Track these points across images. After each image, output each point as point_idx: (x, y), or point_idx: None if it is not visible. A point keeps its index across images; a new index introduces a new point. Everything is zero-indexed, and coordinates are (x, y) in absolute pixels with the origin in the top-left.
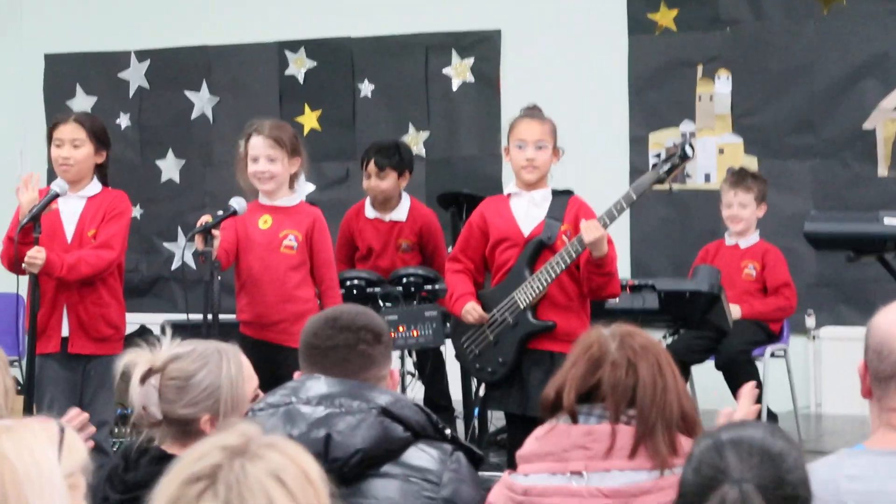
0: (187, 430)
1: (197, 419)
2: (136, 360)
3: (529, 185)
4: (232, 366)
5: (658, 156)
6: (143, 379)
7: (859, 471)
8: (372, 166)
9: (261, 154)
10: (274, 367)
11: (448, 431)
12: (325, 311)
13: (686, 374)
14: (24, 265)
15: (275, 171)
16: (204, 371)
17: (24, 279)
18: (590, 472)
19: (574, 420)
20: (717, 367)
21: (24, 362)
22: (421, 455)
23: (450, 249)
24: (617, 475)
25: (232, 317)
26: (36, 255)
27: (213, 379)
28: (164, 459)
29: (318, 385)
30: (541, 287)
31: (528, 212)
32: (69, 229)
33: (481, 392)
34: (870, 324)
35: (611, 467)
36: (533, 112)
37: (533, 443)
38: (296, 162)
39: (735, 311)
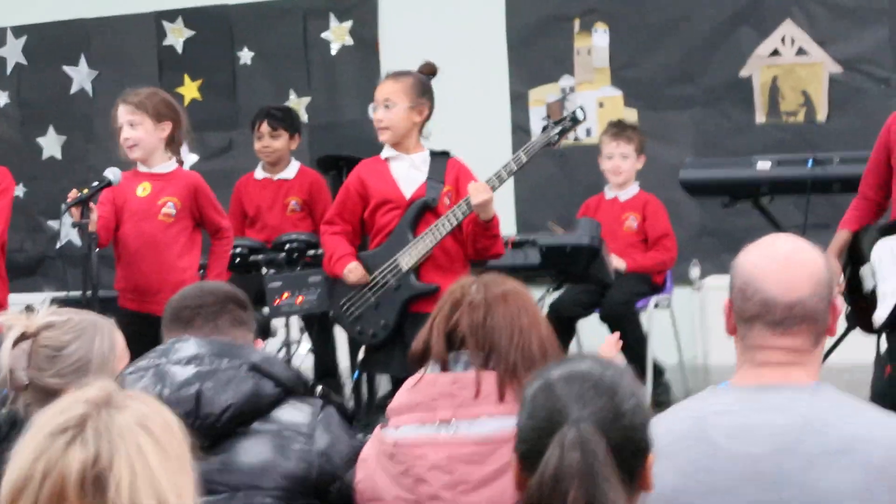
0: (52, 400)
1: (62, 391)
2: (10, 322)
3: (394, 145)
4: (105, 341)
5: (547, 117)
6: (16, 343)
7: (725, 406)
8: (265, 126)
9: (123, 121)
10: (156, 339)
11: (319, 388)
12: (190, 286)
13: (571, 328)
14: None
15: (137, 137)
16: (76, 343)
17: None
18: (458, 420)
19: (443, 368)
20: (602, 318)
21: None
22: (292, 411)
23: None
24: (486, 422)
25: (114, 292)
26: None
27: (84, 353)
28: (20, 424)
29: (188, 346)
30: (425, 249)
31: (408, 174)
32: None
33: (360, 355)
34: (734, 262)
35: (479, 414)
36: (391, 72)
37: (403, 395)
38: (165, 126)
39: (619, 264)
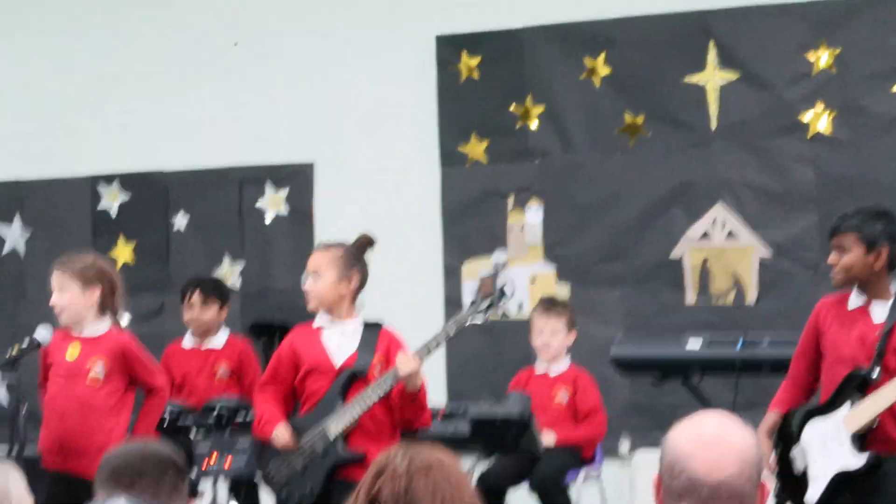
0: None
1: None
2: None
3: (330, 313)
4: (14, 477)
5: (477, 292)
6: None
7: None
8: (196, 296)
9: (54, 287)
10: (78, 501)
11: None
12: (128, 442)
13: (501, 499)
14: None
15: (63, 303)
16: (12, 482)
17: None
18: None
19: None
20: (532, 488)
21: None
22: None
23: None
24: None
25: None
26: None
27: (22, 490)
28: None
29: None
30: (353, 417)
31: (339, 343)
32: None
33: None
34: (664, 438)
35: None
36: (322, 243)
37: None
38: (94, 291)
39: (549, 437)
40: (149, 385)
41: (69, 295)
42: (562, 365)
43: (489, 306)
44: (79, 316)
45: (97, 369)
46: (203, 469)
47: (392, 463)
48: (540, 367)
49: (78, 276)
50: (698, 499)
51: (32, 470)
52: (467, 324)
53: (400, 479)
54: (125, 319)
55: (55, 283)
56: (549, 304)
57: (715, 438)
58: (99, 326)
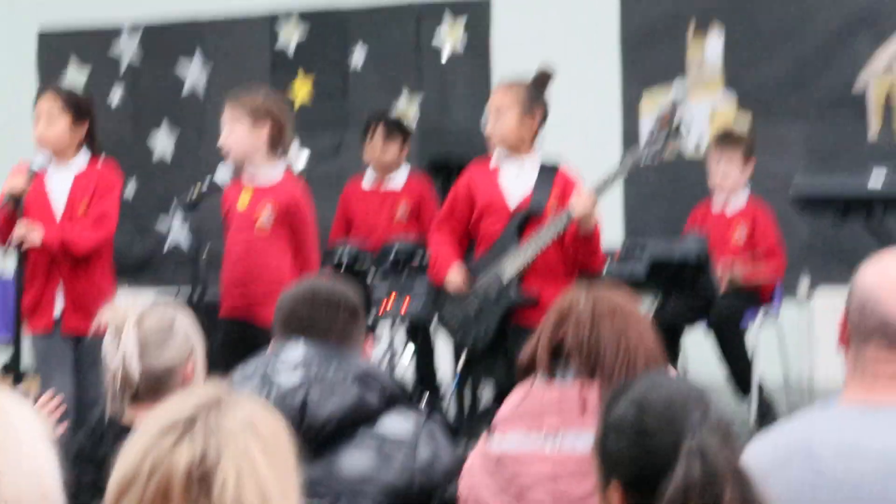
0: (165, 386)
1: (182, 366)
2: (110, 318)
3: (511, 151)
4: (191, 321)
5: (655, 130)
6: (119, 333)
7: (833, 424)
8: (379, 133)
9: (224, 123)
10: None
11: (423, 400)
12: (299, 286)
13: (676, 341)
14: (14, 242)
15: (231, 141)
16: (179, 319)
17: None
18: (564, 433)
19: (549, 379)
20: (709, 326)
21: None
22: (395, 423)
23: None
24: (591, 436)
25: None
26: (28, 233)
27: (188, 326)
28: (125, 430)
29: (296, 351)
30: (526, 259)
31: (515, 183)
32: (58, 206)
33: (461, 363)
34: (854, 278)
35: (585, 428)
36: (503, 81)
37: (509, 405)
38: (263, 129)
39: (736, 269)
40: (300, 250)
41: (238, 132)
42: (740, 200)
43: (664, 145)
44: (246, 155)
45: (264, 218)
46: (380, 312)
47: (575, 308)
48: (717, 205)
49: (248, 112)
50: (889, 338)
51: (212, 314)
52: (642, 163)
53: (585, 325)
54: (303, 158)
55: (225, 119)
56: (724, 137)
57: None
58: (272, 172)
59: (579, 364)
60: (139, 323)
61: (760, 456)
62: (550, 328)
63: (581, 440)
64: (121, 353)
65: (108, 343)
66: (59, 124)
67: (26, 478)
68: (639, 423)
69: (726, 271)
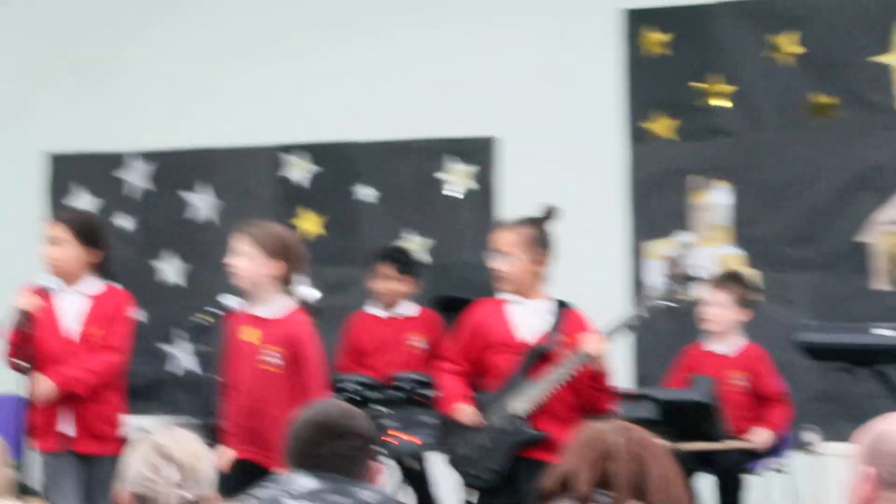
0: None
1: (208, 498)
2: (141, 440)
3: (518, 293)
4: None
5: (669, 274)
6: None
7: None
8: (389, 269)
9: (233, 249)
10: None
11: None
12: (312, 415)
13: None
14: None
15: (241, 267)
16: (203, 447)
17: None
18: None
19: None
20: (716, 473)
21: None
22: None
23: None
24: None
25: None
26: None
27: (212, 456)
28: None
29: (306, 480)
30: (541, 396)
31: (528, 320)
32: (70, 327)
33: (470, 498)
34: (879, 433)
35: None
36: (509, 221)
37: None
38: (277, 264)
39: (762, 436)
40: (303, 384)
41: (249, 261)
42: (734, 343)
43: (675, 295)
44: (256, 285)
45: (272, 359)
46: (387, 444)
47: (616, 444)
48: (708, 344)
49: (265, 244)
50: None
51: (219, 439)
52: (660, 307)
53: (631, 461)
54: (315, 295)
55: (240, 246)
56: (721, 277)
57: None
58: (280, 305)
59: (621, 496)
60: (177, 448)
61: None
62: (590, 460)
63: None
64: (158, 478)
65: (138, 466)
66: (65, 251)
67: None
68: None
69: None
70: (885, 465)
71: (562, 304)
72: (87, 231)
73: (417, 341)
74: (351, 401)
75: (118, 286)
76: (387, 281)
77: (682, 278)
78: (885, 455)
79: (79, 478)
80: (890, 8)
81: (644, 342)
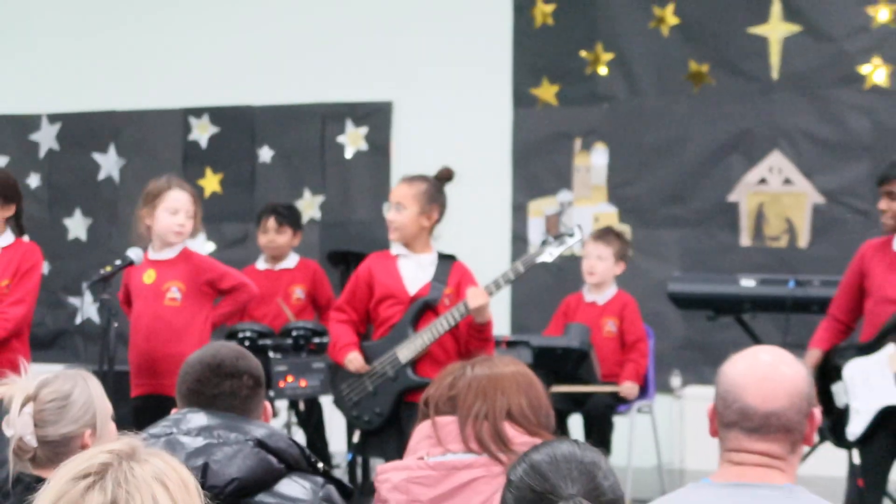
0: (64, 451)
1: (79, 435)
2: (9, 391)
3: (405, 245)
4: (94, 383)
5: (546, 232)
6: (21, 407)
7: (703, 501)
8: (271, 222)
9: (181, 207)
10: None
11: (320, 465)
12: (203, 355)
13: (563, 424)
14: None
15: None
16: (77, 389)
17: None
18: (430, 456)
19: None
20: (585, 417)
21: None
22: (294, 486)
23: None
24: (450, 455)
25: (127, 366)
26: None
27: (87, 396)
28: (39, 483)
29: (198, 417)
30: (423, 345)
31: (414, 273)
32: None
33: (355, 438)
34: (719, 370)
35: (447, 450)
36: (406, 176)
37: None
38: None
39: (630, 389)
40: (230, 285)
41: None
42: (609, 293)
43: (559, 245)
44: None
45: (173, 291)
46: (280, 388)
47: (459, 367)
48: (588, 295)
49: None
50: (748, 427)
51: (120, 384)
52: (537, 261)
53: (463, 377)
54: (209, 247)
55: (186, 205)
56: (600, 233)
57: (768, 371)
58: (168, 249)
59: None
60: (35, 396)
61: None
62: (437, 382)
63: (441, 459)
64: (14, 426)
65: (27, 409)
66: None
67: None
68: (521, 482)
69: (631, 384)
70: (717, 402)
71: (448, 258)
72: (5, 187)
73: (300, 292)
74: (248, 347)
75: (26, 240)
76: (267, 234)
77: (559, 235)
78: (717, 391)
79: None
80: None
81: (521, 293)
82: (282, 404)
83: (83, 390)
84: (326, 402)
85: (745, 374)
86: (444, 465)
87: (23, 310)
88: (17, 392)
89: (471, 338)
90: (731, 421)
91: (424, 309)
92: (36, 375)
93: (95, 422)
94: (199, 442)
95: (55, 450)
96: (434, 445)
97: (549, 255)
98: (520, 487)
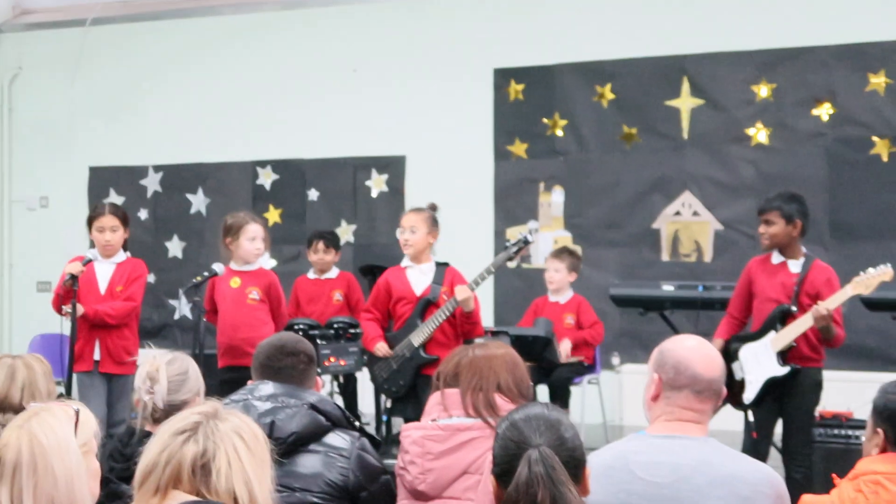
0: (175, 413)
1: (192, 401)
2: (152, 366)
3: (413, 258)
4: (198, 368)
5: (507, 241)
6: (152, 376)
7: (642, 447)
8: (321, 245)
9: (256, 235)
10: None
11: (357, 423)
12: (271, 339)
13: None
14: (65, 312)
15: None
16: (192, 366)
17: (66, 321)
18: (440, 419)
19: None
20: (549, 385)
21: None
22: (337, 438)
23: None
24: (455, 420)
25: (213, 350)
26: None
27: (196, 371)
28: (147, 436)
29: (267, 387)
30: (429, 332)
31: (419, 279)
32: (103, 285)
33: (388, 404)
34: (663, 349)
35: (452, 415)
36: (414, 208)
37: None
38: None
39: (565, 346)
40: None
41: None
42: (567, 295)
43: (517, 250)
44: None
45: (253, 294)
46: (325, 366)
47: (463, 349)
48: (552, 297)
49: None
50: (696, 390)
51: (208, 364)
52: (503, 261)
53: (466, 356)
54: (272, 263)
55: (259, 232)
56: (557, 252)
57: (707, 350)
58: (259, 262)
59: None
60: (166, 369)
61: (591, 466)
62: (446, 361)
63: (448, 421)
64: (153, 389)
65: (140, 381)
66: (119, 235)
67: (60, 484)
68: (504, 435)
69: (565, 340)
70: (666, 372)
71: (443, 265)
72: (126, 218)
73: (339, 296)
74: (302, 336)
75: (135, 258)
76: (317, 253)
77: (516, 242)
78: (665, 364)
79: (103, 390)
80: (679, 67)
81: (500, 295)
82: (326, 378)
83: (194, 367)
84: (359, 376)
85: (692, 350)
86: (450, 427)
87: (128, 307)
88: (152, 366)
89: (463, 323)
90: (682, 384)
91: (428, 305)
92: (160, 356)
93: (201, 391)
94: (268, 405)
95: (170, 412)
96: (442, 411)
97: (509, 256)
98: (503, 438)
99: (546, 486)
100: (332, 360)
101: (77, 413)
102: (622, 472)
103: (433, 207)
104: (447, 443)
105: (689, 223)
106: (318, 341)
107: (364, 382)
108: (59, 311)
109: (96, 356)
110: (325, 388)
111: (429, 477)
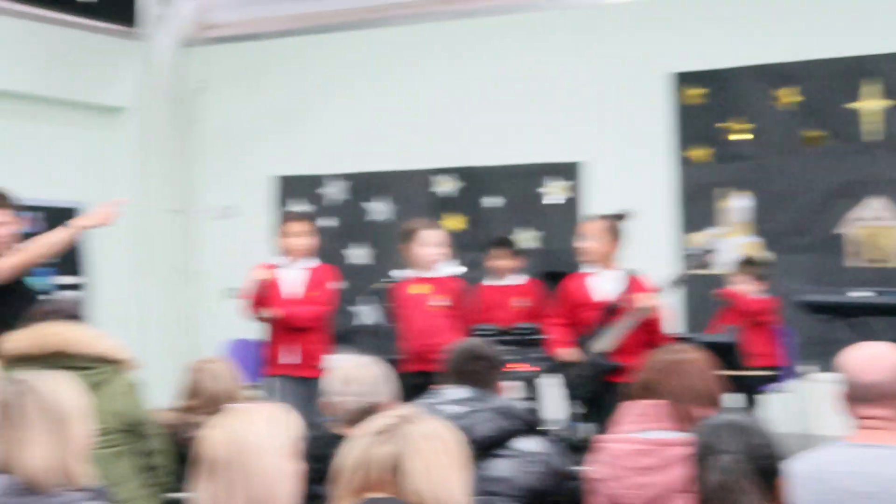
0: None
1: (384, 404)
2: (340, 367)
3: (595, 265)
4: (386, 367)
5: (690, 248)
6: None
7: (842, 457)
8: (502, 252)
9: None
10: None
11: (543, 427)
12: (462, 344)
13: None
14: (262, 316)
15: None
16: (383, 371)
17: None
18: (643, 431)
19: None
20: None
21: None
22: (527, 442)
23: None
24: (658, 432)
25: (394, 355)
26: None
27: (387, 375)
28: (339, 438)
29: (457, 391)
30: (613, 339)
31: (602, 286)
32: (296, 290)
33: (573, 410)
34: (841, 358)
35: (654, 427)
36: (594, 215)
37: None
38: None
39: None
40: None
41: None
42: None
43: (700, 260)
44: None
45: (438, 300)
46: (508, 371)
47: (659, 360)
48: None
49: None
50: (868, 397)
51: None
52: (686, 274)
53: (665, 370)
54: (461, 270)
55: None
56: (742, 263)
57: (869, 353)
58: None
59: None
60: (359, 373)
61: (791, 475)
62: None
63: (650, 434)
64: (347, 392)
65: (333, 384)
66: (310, 241)
67: (259, 483)
68: (700, 440)
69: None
70: (844, 381)
71: (629, 272)
72: (313, 225)
73: (520, 302)
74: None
75: (328, 264)
76: (496, 259)
77: (698, 252)
78: (841, 374)
79: (298, 394)
80: (864, 67)
81: (690, 301)
82: (508, 383)
83: (386, 371)
84: (542, 382)
85: (857, 357)
86: (653, 442)
87: (321, 311)
88: (347, 370)
89: (649, 332)
90: (857, 393)
91: (613, 311)
92: (353, 359)
93: (394, 395)
94: (457, 409)
95: (366, 414)
96: (641, 422)
97: (690, 268)
98: (695, 444)
99: (728, 494)
100: (514, 365)
101: (280, 414)
102: (822, 483)
103: (621, 216)
104: (654, 457)
105: (876, 228)
106: (502, 346)
107: (547, 388)
108: (252, 315)
109: (290, 359)
110: (507, 394)
111: (644, 492)
